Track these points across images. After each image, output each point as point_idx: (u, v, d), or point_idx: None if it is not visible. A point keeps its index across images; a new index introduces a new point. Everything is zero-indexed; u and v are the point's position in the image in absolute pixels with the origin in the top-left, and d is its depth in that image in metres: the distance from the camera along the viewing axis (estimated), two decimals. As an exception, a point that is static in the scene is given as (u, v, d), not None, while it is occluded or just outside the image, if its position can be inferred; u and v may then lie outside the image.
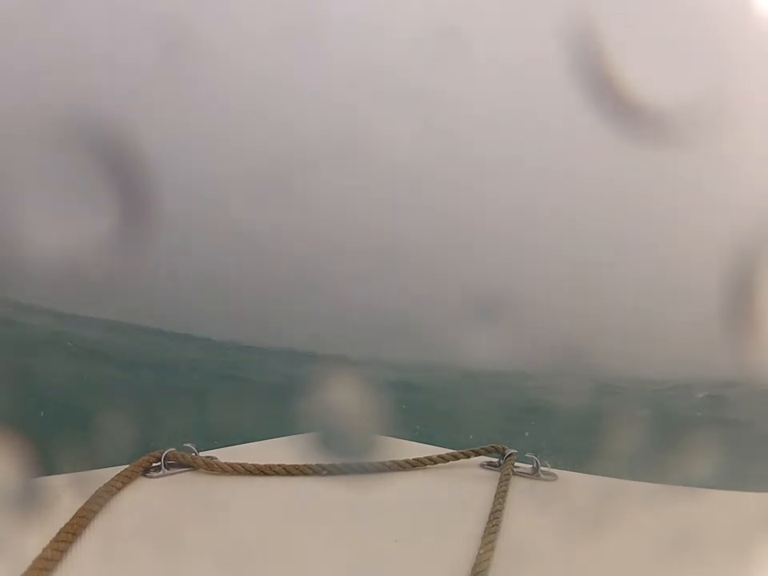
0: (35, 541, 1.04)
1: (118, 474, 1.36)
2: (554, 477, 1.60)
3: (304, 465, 1.53)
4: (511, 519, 1.30)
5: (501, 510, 1.32)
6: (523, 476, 1.58)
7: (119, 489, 1.32)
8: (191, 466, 1.49)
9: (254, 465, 1.51)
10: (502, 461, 1.64)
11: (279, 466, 1.52)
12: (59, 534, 1.07)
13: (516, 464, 1.61)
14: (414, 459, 1.59)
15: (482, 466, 1.66)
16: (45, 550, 1.02)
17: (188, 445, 1.52)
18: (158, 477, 1.44)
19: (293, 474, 1.51)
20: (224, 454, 1.56)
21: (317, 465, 1.53)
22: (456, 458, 1.64)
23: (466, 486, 1.59)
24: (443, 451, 1.67)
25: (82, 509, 1.17)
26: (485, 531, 1.22)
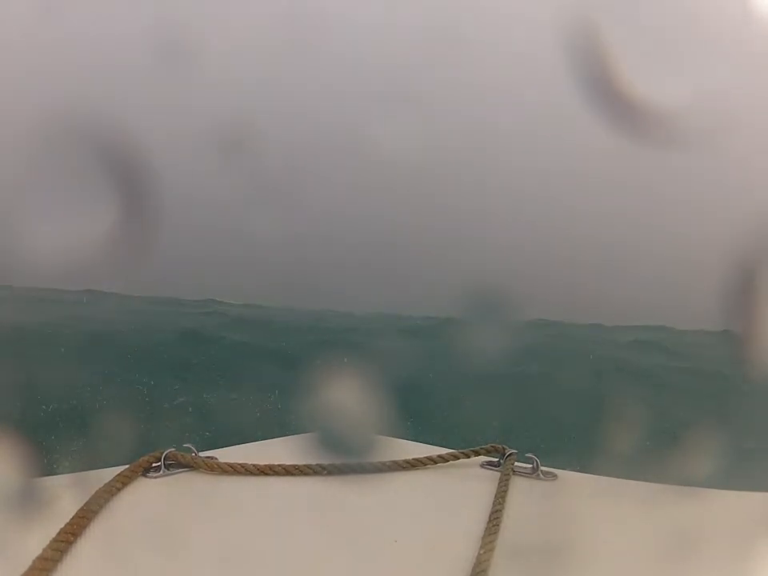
0: (35, 541, 1.04)
1: (117, 475, 1.36)
2: (554, 477, 1.60)
3: (304, 465, 1.53)
4: (511, 519, 1.30)
5: (501, 510, 1.32)
6: (523, 476, 1.58)
7: (119, 489, 1.32)
8: (191, 466, 1.49)
9: (254, 465, 1.51)
10: (501, 461, 1.64)
11: (279, 466, 1.52)
12: (59, 534, 1.07)
13: (516, 464, 1.61)
14: (413, 459, 1.59)
15: (482, 465, 1.66)
16: (45, 550, 1.02)
17: (188, 445, 1.52)
18: (157, 477, 1.45)
19: (293, 474, 1.51)
20: (224, 454, 1.57)
21: (317, 465, 1.53)
22: (456, 457, 1.64)
23: (466, 486, 1.59)
24: (443, 451, 1.67)
25: (82, 509, 1.17)
26: (485, 531, 1.22)
